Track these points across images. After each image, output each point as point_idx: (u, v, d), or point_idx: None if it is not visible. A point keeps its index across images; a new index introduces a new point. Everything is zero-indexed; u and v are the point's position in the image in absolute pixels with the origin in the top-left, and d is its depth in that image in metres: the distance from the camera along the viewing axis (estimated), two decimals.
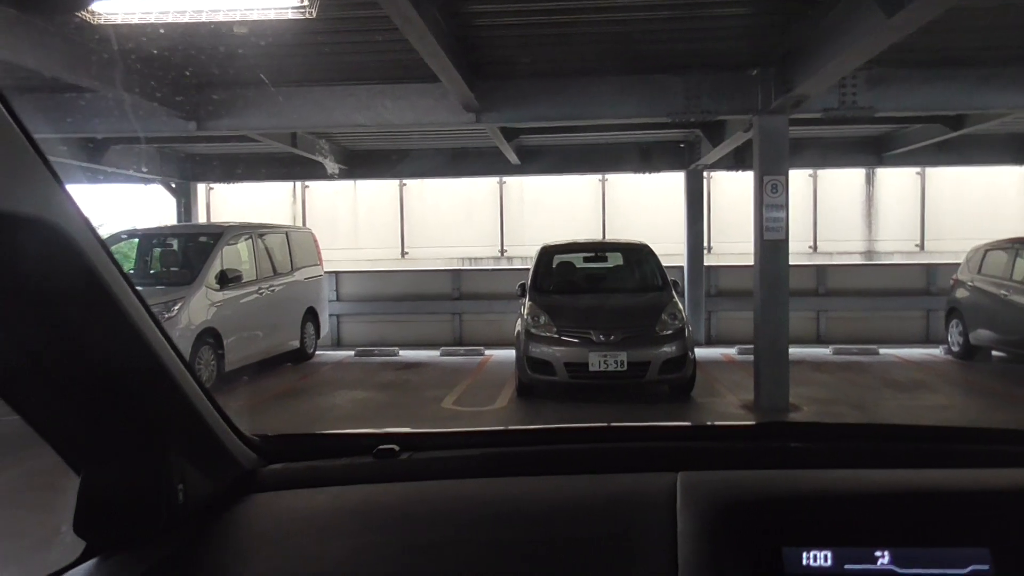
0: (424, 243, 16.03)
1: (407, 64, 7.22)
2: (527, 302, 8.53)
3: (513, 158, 11.51)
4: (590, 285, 9.29)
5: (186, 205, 13.00)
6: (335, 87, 7.82)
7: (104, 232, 18.83)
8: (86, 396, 1.05)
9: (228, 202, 15.89)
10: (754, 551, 1.06)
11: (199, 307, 8.65)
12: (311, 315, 11.44)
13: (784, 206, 7.57)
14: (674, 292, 8.72)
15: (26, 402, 1.02)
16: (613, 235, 15.34)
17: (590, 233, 15.25)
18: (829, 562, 1.05)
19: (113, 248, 8.85)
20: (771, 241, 7.61)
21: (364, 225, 16.15)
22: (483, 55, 6.98)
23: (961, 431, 1.56)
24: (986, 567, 1.03)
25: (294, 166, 12.59)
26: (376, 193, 16.07)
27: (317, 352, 11.71)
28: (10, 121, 0.81)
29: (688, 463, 1.28)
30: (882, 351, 11.70)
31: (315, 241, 11.94)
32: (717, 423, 1.68)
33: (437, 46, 5.51)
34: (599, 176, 15.73)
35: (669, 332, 7.97)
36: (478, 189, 15.91)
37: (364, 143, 12.02)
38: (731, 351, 11.83)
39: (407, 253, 16.06)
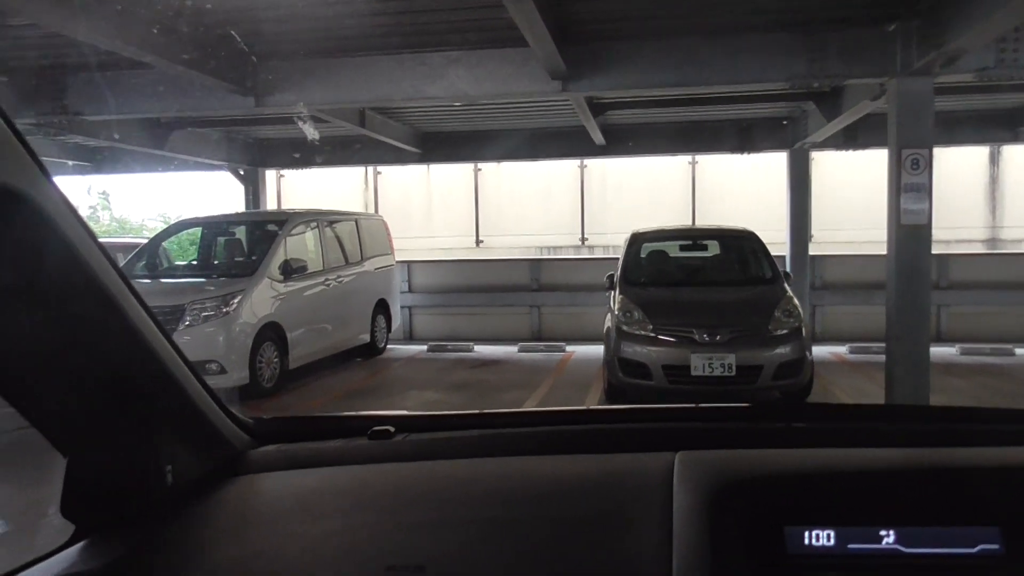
0: (500, 231, 15.21)
1: (484, 25, 6.37)
2: (617, 295, 7.58)
3: (598, 137, 10.54)
4: (689, 277, 8.25)
5: (254, 192, 12.50)
6: (403, 55, 7.01)
7: (166, 221, 18.69)
8: (70, 377, 1.05)
9: (299, 189, 15.42)
10: (754, 530, 1.03)
11: (261, 300, 8.01)
12: (382, 307, 10.75)
13: (927, 186, 6.41)
14: (787, 285, 7.64)
15: (10, 384, 1.01)
16: (703, 222, 14.21)
17: (678, 220, 14.15)
18: (832, 541, 1.02)
19: (175, 238, 8.36)
20: (910, 227, 6.46)
21: (437, 212, 15.44)
22: (572, 12, 6.05)
23: (967, 410, 1.53)
24: (996, 546, 1.00)
25: (365, 150, 11.91)
26: (450, 179, 15.34)
27: (388, 346, 11.03)
28: None
29: (687, 443, 1.25)
30: (1018, 351, 10.30)
31: (386, 229, 11.24)
32: (718, 404, 1.54)
33: (531, 4, 4.62)
34: (689, 158, 14.60)
35: (784, 331, 6.91)
36: (557, 173, 15.01)
37: (438, 124, 11.24)
38: (841, 350, 10.62)
39: (482, 242, 15.28)
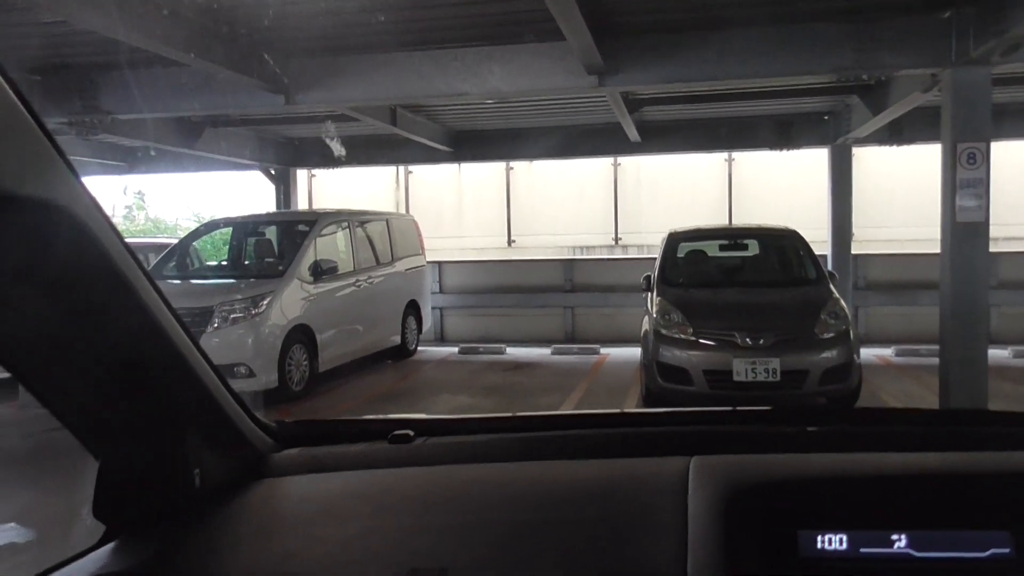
0: (532, 231, 15.02)
1: (519, 19, 6.17)
2: (655, 297, 7.33)
3: (633, 134, 10.29)
4: (729, 278, 7.97)
5: (285, 192, 12.44)
6: (436, 51, 6.84)
7: (199, 220, 18.74)
8: (103, 380, 1.07)
9: (330, 189, 15.35)
10: (768, 534, 1.04)
11: (290, 302, 7.89)
12: (413, 308, 10.60)
13: (984, 181, 6.09)
14: (832, 286, 7.33)
15: (44, 387, 1.03)
16: (740, 221, 13.87)
17: (714, 220, 13.82)
18: (844, 545, 1.02)
19: (208, 238, 8.28)
20: (966, 224, 6.14)
21: (469, 212, 15.29)
22: (609, 3, 5.82)
23: (979, 413, 1.60)
24: (1007, 550, 1.00)
25: (396, 149, 11.79)
26: (482, 178, 15.18)
27: (419, 348, 10.88)
28: (21, 109, 0.80)
29: (703, 447, 1.25)
30: None
31: (417, 229, 11.09)
32: (732, 408, 1.52)
33: None
34: (725, 156, 14.28)
35: (831, 335, 6.62)
36: (590, 172, 14.77)
37: (470, 122, 11.07)
38: (886, 352, 10.25)
39: (514, 242, 15.09)
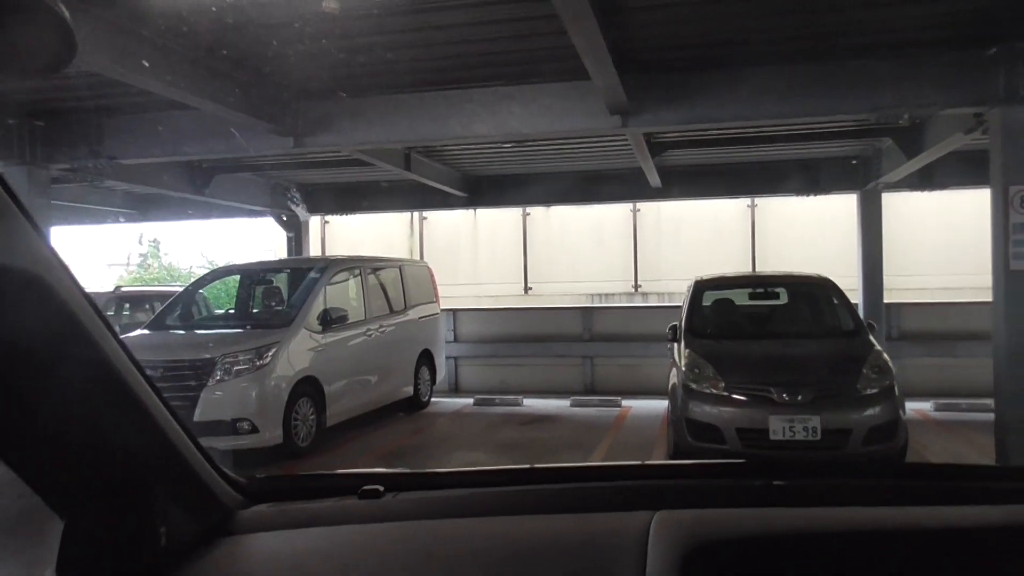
0: (549, 278, 14.65)
1: (538, 56, 5.88)
2: (683, 349, 6.88)
3: (655, 179, 9.96)
4: (761, 328, 7.52)
5: (297, 239, 12.17)
6: (450, 92, 6.56)
7: (213, 267, 18.54)
8: (67, 439, 1.07)
9: (343, 236, 15.10)
10: None
11: (297, 352, 7.50)
12: (426, 358, 10.18)
13: None
14: (872, 338, 6.87)
15: (6, 445, 1.03)
16: (764, 268, 13.45)
17: (736, 267, 13.41)
18: None
19: (221, 285, 7.93)
20: (1021, 272, 5.69)
21: (484, 258, 14.96)
22: (635, 37, 5.52)
23: (947, 468, 1.64)
24: None
25: (410, 194, 11.54)
26: (497, 224, 14.88)
27: (432, 399, 10.43)
28: None
29: (669, 502, 1.26)
30: None
31: (431, 276, 10.73)
32: (701, 461, 1.54)
33: (593, 20, 4.09)
34: (748, 202, 13.92)
35: (875, 390, 6.14)
36: (609, 218, 14.44)
37: (485, 167, 10.81)
38: (924, 406, 9.69)
39: (531, 289, 14.72)
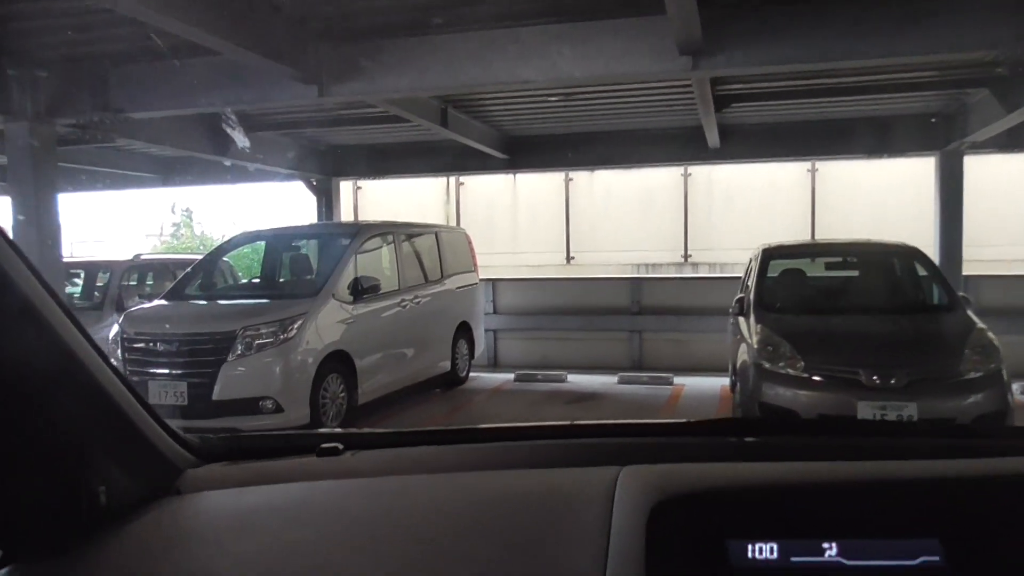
0: (592, 247, 13.89)
1: None
2: (754, 324, 6.12)
3: (714, 138, 9.12)
4: (841, 302, 6.67)
5: (327, 204, 11.54)
6: (494, 32, 5.79)
7: (230, 233, 18.07)
8: None
9: (376, 202, 14.45)
10: (697, 543, 1.03)
11: (326, 325, 6.88)
12: (464, 331, 9.51)
13: None
14: (971, 313, 6.04)
15: None
16: (823, 236, 12.53)
17: (794, 235, 12.50)
18: (775, 555, 1.02)
19: (235, 253, 7.30)
20: None
21: (524, 226, 14.22)
22: None
23: (916, 424, 1.66)
24: (936, 558, 1.01)
25: (446, 156, 10.82)
26: (538, 189, 14.14)
27: (471, 375, 9.79)
28: None
29: (637, 458, 1.22)
30: None
31: (469, 243, 10.03)
32: (672, 420, 1.55)
33: None
34: (808, 166, 12.96)
35: (979, 374, 5.34)
36: (657, 183, 13.61)
37: (527, 126, 10.05)
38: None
39: (573, 258, 13.97)
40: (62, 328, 1.05)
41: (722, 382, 8.79)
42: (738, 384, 6.14)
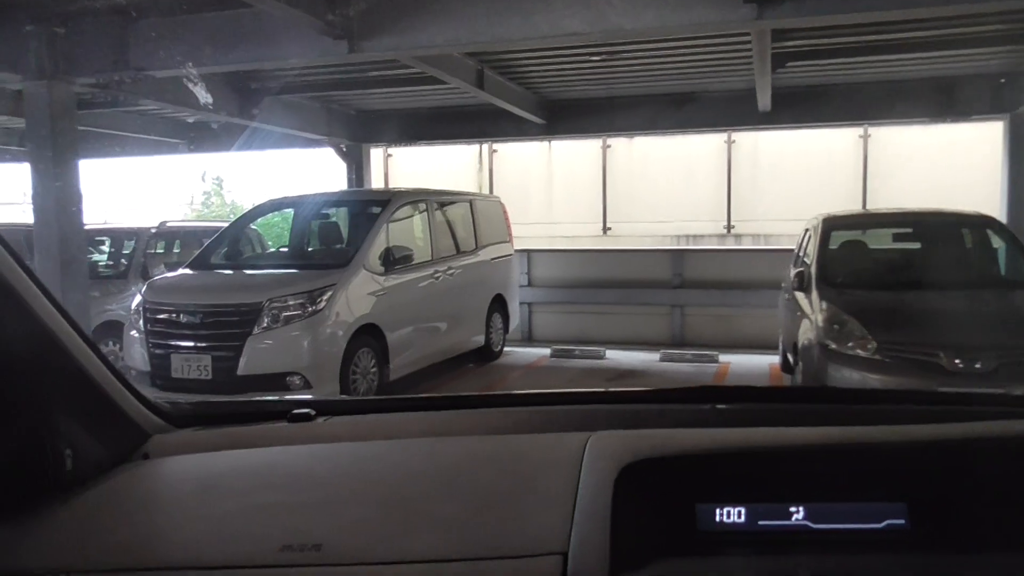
0: (630, 217, 13.36)
1: None
2: (817, 300, 5.65)
3: (765, 100, 8.57)
4: (911, 277, 6.13)
5: (357, 171, 11.17)
6: None
7: (254, 200, 17.82)
8: None
9: (407, 169, 14.05)
10: (666, 507, 1.05)
11: (356, 296, 6.52)
12: (499, 304, 9.12)
13: None
14: None
15: None
16: (876, 207, 11.91)
17: (844, 205, 11.88)
18: (743, 518, 1.03)
19: (262, 221, 6.95)
20: None
21: (559, 195, 13.74)
22: None
23: (882, 393, 1.60)
24: (902, 521, 1.02)
25: (481, 121, 10.38)
26: (574, 156, 13.62)
27: (505, 349, 9.41)
28: None
29: (609, 425, 1.23)
30: None
31: (505, 212, 9.60)
32: (643, 388, 1.54)
33: None
34: (859, 132, 12.30)
35: None
36: (699, 151, 13.04)
37: (566, 89, 9.56)
38: None
39: (609, 229, 13.47)
40: (27, 293, 1.05)
41: (770, 360, 8.34)
42: (800, 364, 5.68)
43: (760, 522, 1.02)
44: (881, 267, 6.25)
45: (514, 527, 1.00)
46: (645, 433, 1.17)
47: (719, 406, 1.35)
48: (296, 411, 1.35)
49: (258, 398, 1.78)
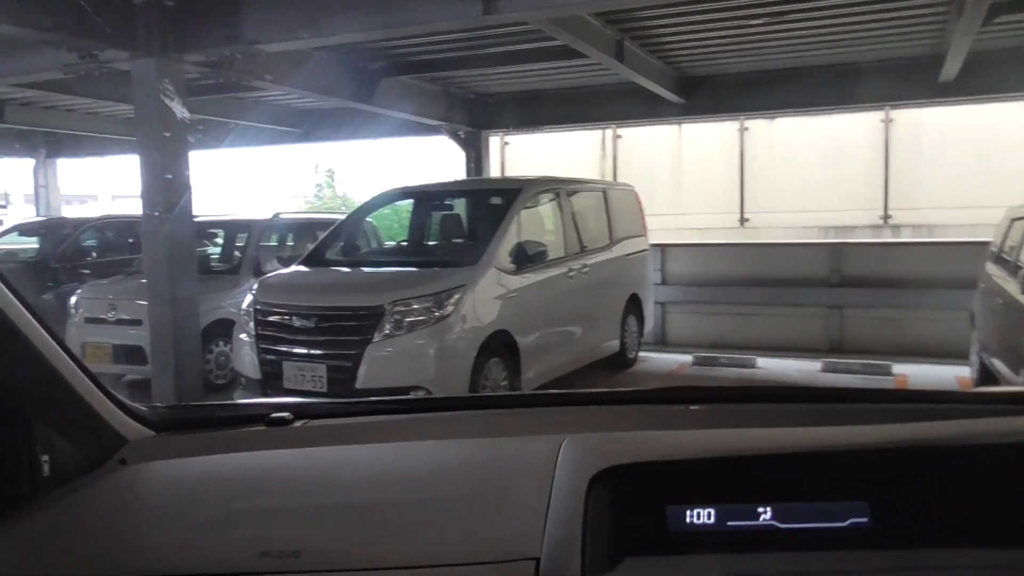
0: (770, 207, 12.16)
1: None
2: None
3: (954, 66, 7.28)
4: None
5: (476, 159, 10.47)
6: None
7: (365, 192, 17.44)
8: None
9: (524, 158, 13.30)
10: (636, 509, 1.06)
11: (486, 300, 5.74)
12: (634, 305, 8.17)
13: None
14: None
15: None
16: None
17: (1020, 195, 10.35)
18: (712, 519, 1.05)
19: (378, 213, 6.16)
20: None
21: (690, 183, 12.66)
22: None
23: (851, 392, 1.70)
24: (864, 519, 1.04)
25: (611, 103, 9.47)
26: (707, 140, 12.54)
27: (639, 355, 8.47)
28: None
29: (582, 427, 1.25)
30: None
31: (639, 203, 8.64)
32: (618, 389, 1.59)
33: None
34: None
35: None
36: (849, 132, 11.77)
37: (708, 63, 8.53)
38: None
39: (747, 220, 12.30)
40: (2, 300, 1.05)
41: (957, 371, 7.14)
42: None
43: (729, 523, 1.04)
44: None
45: (489, 532, 1.02)
46: (617, 436, 1.20)
47: (692, 407, 1.37)
48: (273, 415, 1.36)
49: (236, 401, 1.45)
